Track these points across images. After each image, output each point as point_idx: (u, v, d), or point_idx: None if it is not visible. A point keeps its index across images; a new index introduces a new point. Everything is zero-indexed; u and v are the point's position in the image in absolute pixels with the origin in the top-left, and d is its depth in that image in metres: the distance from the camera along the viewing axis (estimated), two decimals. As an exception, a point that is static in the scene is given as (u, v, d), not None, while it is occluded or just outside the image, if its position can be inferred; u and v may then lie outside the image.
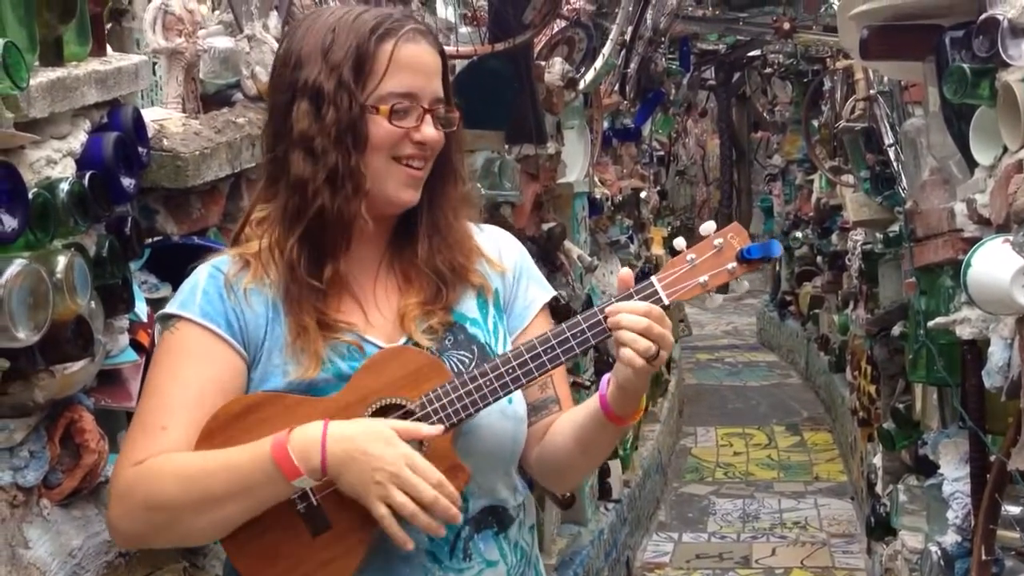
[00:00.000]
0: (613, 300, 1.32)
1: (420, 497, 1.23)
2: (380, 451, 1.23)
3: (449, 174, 1.41)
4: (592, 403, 1.38)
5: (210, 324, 1.33)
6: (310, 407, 1.28)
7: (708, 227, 1.35)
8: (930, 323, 2.31)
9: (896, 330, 3.41)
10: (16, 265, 1.22)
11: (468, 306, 1.42)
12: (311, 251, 1.33)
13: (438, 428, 1.28)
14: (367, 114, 1.32)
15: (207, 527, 1.28)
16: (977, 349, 2.18)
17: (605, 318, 1.31)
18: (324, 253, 1.34)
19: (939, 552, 2.30)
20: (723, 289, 1.36)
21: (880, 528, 3.56)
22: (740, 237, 1.34)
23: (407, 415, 1.30)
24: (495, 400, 1.31)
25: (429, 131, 1.35)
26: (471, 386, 1.30)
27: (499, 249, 1.48)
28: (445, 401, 1.29)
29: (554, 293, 1.52)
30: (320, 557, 1.28)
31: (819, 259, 7.65)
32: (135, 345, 1.57)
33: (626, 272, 1.35)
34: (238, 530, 1.28)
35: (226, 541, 1.30)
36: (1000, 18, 1.86)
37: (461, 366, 1.36)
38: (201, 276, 1.36)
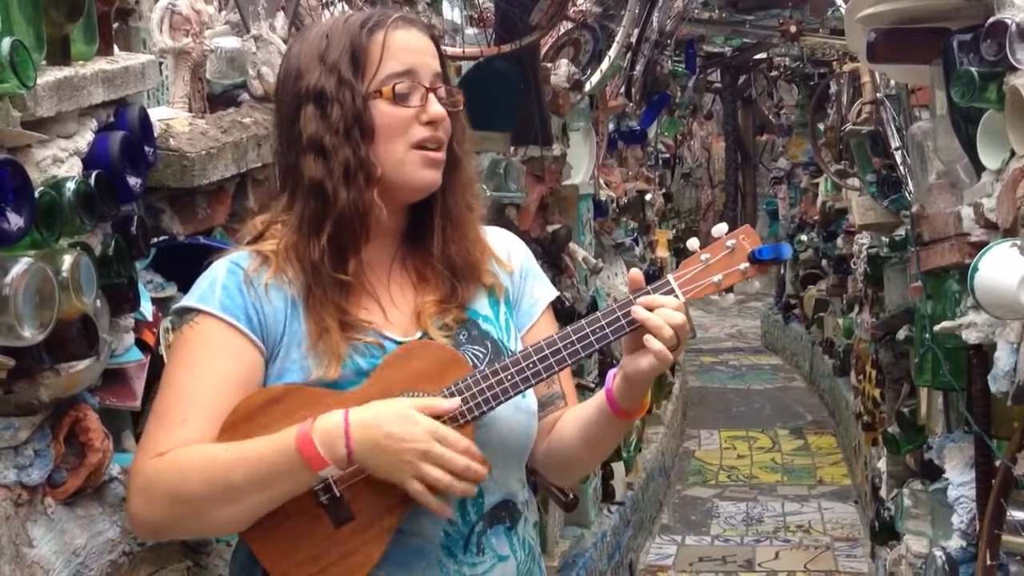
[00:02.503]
0: (631, 297, 1.34)
1: (452, 467, 1.25)
2: (404, 431, 1.25)
3: (455, 161, 1.42)
4: (598, 398, 1.41)
5: (229, 318, 1.33)
6: (332, 401, 1.29)
7: (720, 229, 1.38)
8: (936, 327, 2.30)
9: (901, 334, 3.41)
10: (22, 264, 1.22)
11: (481, 304, 1.44)
12: (333, 248, 1.35)
13: (454, 402, 1.30)
14: (370, 102, 1.35)
15: (229, 518, 1.29)
16: (983, 353, 2.17)
17: (626, 313, 1.33)
18: (346, 248, 1.35)
19: (944, 557, 2.30)
20: (729, 288, 1.39)
21: (884, 532, 3.56)
22: (751, 239, 1.38)
23: None
24: (516, 394, 1.33)
25: (436, 109, 1.37)
26: (492, 380, 1.32)
27: (507, 249, 1.51)
28: (467, 395, 1.31)
29: (557, 293, 1.55)
30: (342, 548, 1.29)
31: (824, 262, 7.64)
32: (140, 344, 1.57)
33: (636, 272, 1.38)
34: (260, 521, 1.29)
35: (247, 532, 1.31)
36: (1008, 22, 1.85)
37: (476, 360, 1.38)
38: (220, 271, 1.37)
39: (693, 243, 1.39)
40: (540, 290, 1.51)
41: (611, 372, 1.40)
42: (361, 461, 1.25)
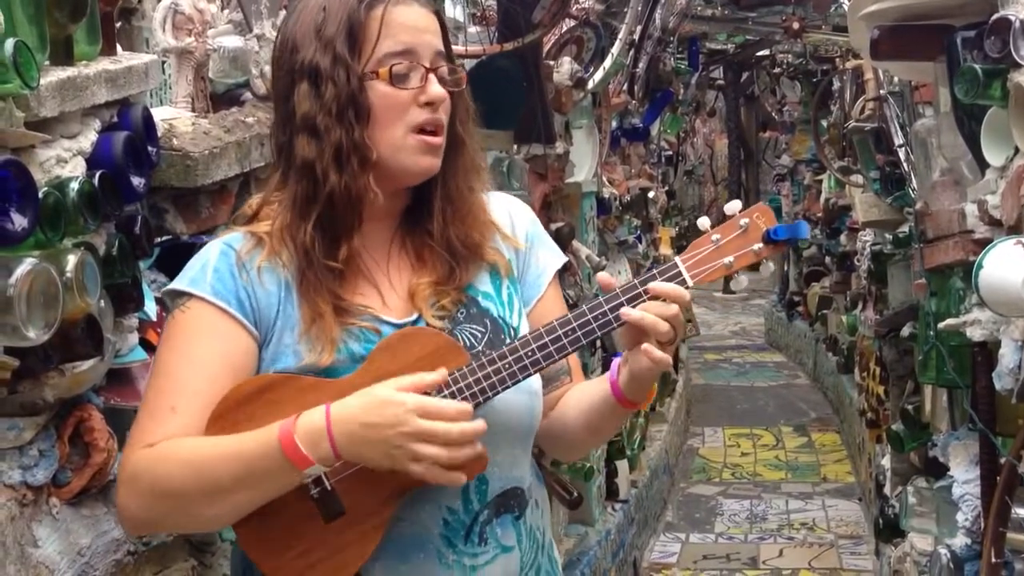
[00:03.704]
0: (634, 281, 1.30)
1: (446, 439, 1.20)
2: (385, 417, 1.20)
3: (457, 142, 1.38)
4: (603, 386, 1.37)
5: (221, 303, 1.30)
6: (323, 389, 1.26)
7: (733, 206, 1.32)
8: (940, 324, 2.30)
9: (905, 331, 3.40)
10: (26, 264, 1.22)
11: (481, 280, 1.40)
12: (325, 233, 1.31)
13: (440, 373, 1.24)
14: (366, 82, 1.30)
15: (216, 514, 1.26)
16: (988, 351, 2.17)
17: (630, 297, 1.29)
18: (338, 233, 1.31)
19: (948, 554, 2.29)
20: (727, 288, 1.34)
21: (889, 530, 3.56)
22: (766, 217, 1.31)
23: None
24: (513, 383, 1.28)
25: (435, 89, 1.32)
26: (489, 368, 1.27)
27: (511, 218, 1.45)
28: (463, 384, 1.27)
29: (565, 259, 1.50)
30: (334, 543, 1.26)
31: (827, 259, 7.63)
32: (144, 344, 1.58)
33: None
34: (250, 516, 1.26)
35: (238, 527, 1.29)
36: (1012, 18, 1.85)
37: (473, 340, 1.34)
38: (212, 253, 1.34)
39: (704, 222, 1.32)
40: (546, 258, 1.46)
41: (615, 361, 1.35)
42: (351, 457, 1.22)
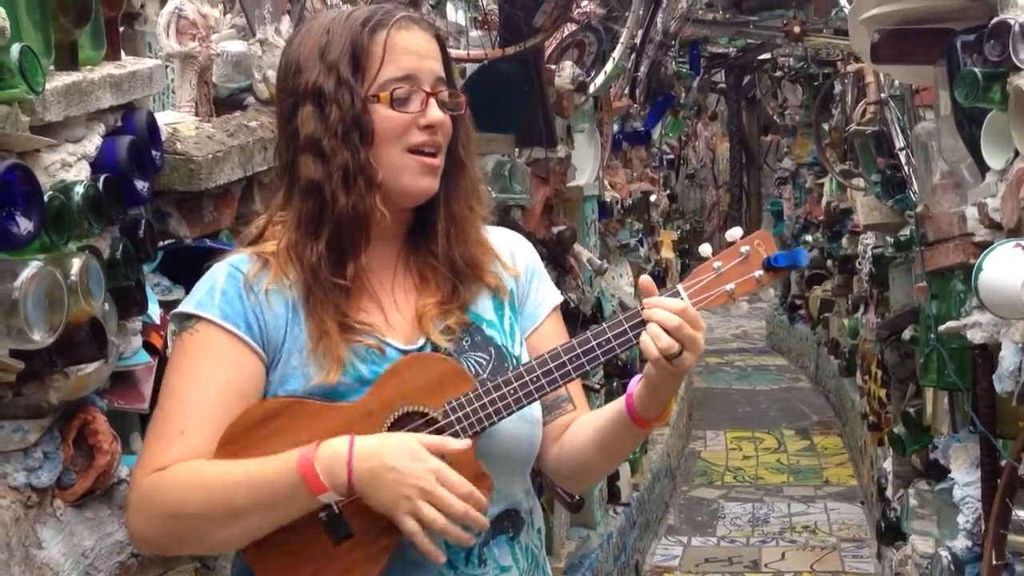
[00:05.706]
0: (640, 307, 1.31)
1: (450, 511, 1.23)
2: (407, 465, 1.22)
3: (458, 164, 1.41)
4: (618, 405, 1.38)
5: (229, 325, 1.31)
6: (332, 415, 1.28)
7: (734, 233, 1.34)
8: (941, 327, 2.30)
9: (906, 334, 3.40)
10: (31, 267, 1.22)
11: (484, 307, 1.42)
12: (332, 252, 1.33)
13: (465, 443, 1.27)
14: (369, 105, 1.33)
15: (230, 538, 1.28)
16: (988, 353, 2.17)
17: (632, 325, 1.30)
18: (345, 252, 1.34)
19: (949, 557, 2.30)
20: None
21: (890, 532, 3.56)
22: (767, 244, 1.34)
23: (430, 423, 1.29)
24: (518, 408, 1.30)
25: (434, 113, 1.34)
26: (495, 395, 1.29)
27: (512, 251, 1.48)
28: (468, 410, 1.29)
29: (562, 298, 1.53)
30: (341, 565, 1.27)
31: (829, 263, 7.63)
32: (148, 347, 1.58)
33: (646, 279, 1.35)
34: (260, 539, 1.28)
35: (248, 548, 1.30)
36: (1012, 22, 1.86)
37: (478, 367, 1.36)
38: (219, 275, 1.35)
39: (705, 249, 1.35)
40: (545, 292, 1.49)
41: (635, 377, 1.37)
42: (361, 490, 1.23)
